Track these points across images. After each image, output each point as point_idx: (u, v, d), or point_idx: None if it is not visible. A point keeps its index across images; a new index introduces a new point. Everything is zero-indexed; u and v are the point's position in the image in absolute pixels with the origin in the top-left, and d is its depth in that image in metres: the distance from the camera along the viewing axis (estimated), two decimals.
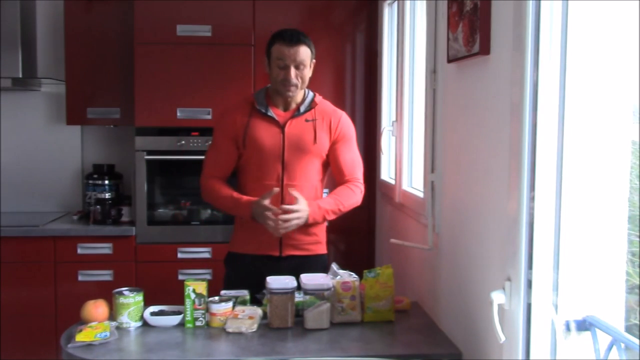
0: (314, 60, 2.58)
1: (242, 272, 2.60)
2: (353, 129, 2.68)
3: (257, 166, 2.56)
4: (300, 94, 2.60)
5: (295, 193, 2.45)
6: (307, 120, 2.57)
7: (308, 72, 2.55)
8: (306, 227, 2.55)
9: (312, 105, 2.59)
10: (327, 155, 2.62)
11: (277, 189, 2.45)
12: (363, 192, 2.64)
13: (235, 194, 2.53)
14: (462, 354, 2.06)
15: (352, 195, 2.59)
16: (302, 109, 2.58)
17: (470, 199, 2.09)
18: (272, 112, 2.57)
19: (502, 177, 1.78)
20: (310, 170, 2.57)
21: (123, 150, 4.03)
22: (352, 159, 2.64)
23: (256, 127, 2.56)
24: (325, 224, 2.68)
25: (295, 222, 2.43)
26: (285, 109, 2.60)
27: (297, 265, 2.55)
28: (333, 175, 2.66)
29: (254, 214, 2.46)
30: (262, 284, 2.41)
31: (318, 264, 2.61)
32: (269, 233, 2.51)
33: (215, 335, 2.14)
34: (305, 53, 2.50)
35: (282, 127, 2.56)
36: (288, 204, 2.44)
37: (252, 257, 2.60)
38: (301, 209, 2.43)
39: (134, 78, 3.57)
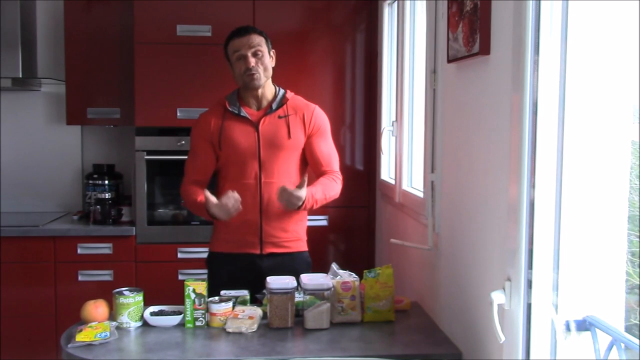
0: (273, 51, 2.62)
1: (224, 272, 2.61)
2: (328, 122, 2.69)
3: (235, 166, 2.57)
4: (270, 91, 2.62)
5: (303, 181, 2.43)
6: (280, 117, 2.59)
7: (268, 60, 2.58)
8: (284, 223, 2.59)
9: (283, 101, 2.61)
10: (304, 150, 2.62)
11: (235, 195, 2.43)
12: (341, 184, 2.64)
13: (199, 199, 2.50)
14: (462, 354, 2.06)
15: (335, 186, 2.60)
16: (274, 106, 2.60)
17: (470, 199, 2.09)
18: (245, 112, 2.59)
19: (502, 177, 1.78)
20: (288, 167, 2.58)
21: (123, 150, 4.03)
22: (329, 152, 2.65)
23: (231, 128, 2.58)
24: (306, 221, 2.70)
25: (298, 202, 2.39)
26: (258, 107, 2.62)
27: (279, 263, 2.57)
28: (310, 168, 2.66)
29: (215, 215, 2.45)
30: (245, 283, 2.44)
31: (300, 262, 2.63)
32: (248, 231, 2.56)
33: (215, 335, 2.14)
34: (257, 39, 2.55)
35: (255, 125, 2.57)
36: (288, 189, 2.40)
37: (233, 255, 2.61)
38: (303, 195, 2.40)
39: (134, 78, 3.57)
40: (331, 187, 2.58)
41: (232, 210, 2.42)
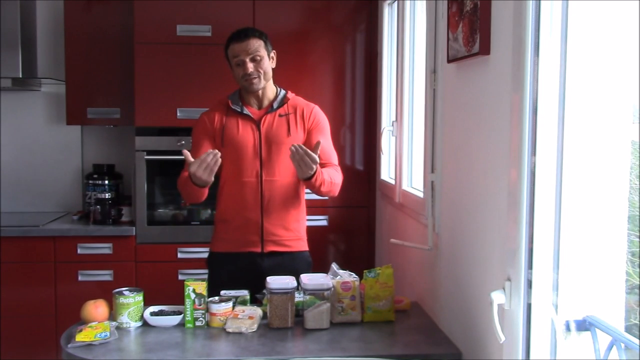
0: (274, 52, 2.62)
1: (225, 271, 2.61)
2: (327, 122, 2.70)
3: (236, 163, 2.57)
4: (271, 91, 2.64)
5: (318, 148, 2.39)
6: (280, 115, 2.61)
7: (268, 63, 2.59)
8: (285, 221, 2.60)
9: (284, 101, 2.63)
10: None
11: (186, 151, 2.40)
12: (342, 178, 2.64)
13: (187, 174, 2.46)
14: (462, 354, 2.06)
15: (338, 176, 2.61)
16: (275, 105, 2.62)
17: (470, 199, 2.09)
18: (247, 111, 2.61)
19: (502, 177, 1.78)
20: (289, 165, 2.56)
21: (123, 150, 4.03)
22: (328, 148, 2.66)
23: (233, 125, 2.60)
24: (305, 220, 2.71)
25: (308, 160, 2.33)
26: (259, 107, 2.64)
27: (279, 263, 2.58)
28: None
29: (194, 179, 2.40)
30: (245, 283, 2.44)
31: (301, 262, 2.63)
32: (249, 230, 2.56)
33: (215, 335, 2.14)
34: (256, 44, 2.55)
35: (257, 124, 2.59)
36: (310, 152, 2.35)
37: (234, 255, 2.62)
38: (317, 158, 2.37)
39: (134, 78, 3.57)
40: (334, 174, 2.58)
41: (212, 164, 2.36)
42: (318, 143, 2.40)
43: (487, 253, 1.92)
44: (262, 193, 2.58)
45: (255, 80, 2.55)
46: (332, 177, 2.55)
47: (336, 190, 2.60)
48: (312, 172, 2.38)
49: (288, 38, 3.58)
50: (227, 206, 2.62)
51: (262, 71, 2.56)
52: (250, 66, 2.54)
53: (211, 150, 2.38)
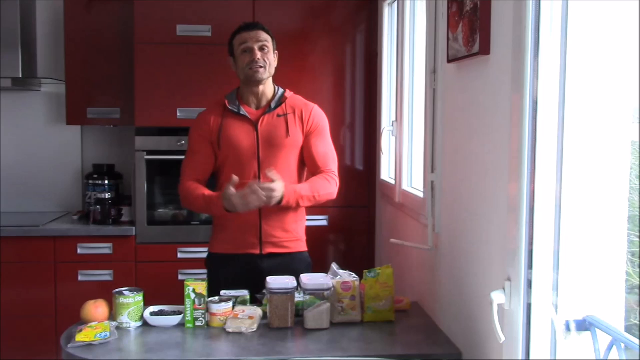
0: (277, 52, 2.62)
1: (224, 272, 2.60)
2: (326, 121, 2.68)
3: (234, 165, 2.56)
4: (270, 90, 2.62)
5: (272, 174, 2.42)
6: (278, 116, 2.59)
7: (273, 58, 2.59)
8: (284, 223, 2.58)
9: (282, 100, 2.61)
10: (302, 149, 2.61)
11: (236, 178, 2.41)
12: (338, 185, 2.62)
13: (207, 192, 2.51)
14: (462, 354, 2.06)
15: (328, 186, 2.57)
16: (273, 105, 2.59)
17: (470, 199, 2.09)
18: (244, 111, 2.59)
19: (502, 177, 1.78)
20: (287, 167, 2.57)
21: (123, 150, 4.03)
22: (326, 152, 2.63)
23: (230, 127, 2.58)
24: (305, 220, 2.69)
25: (273, 194, 2.38)
26: (257, 106, 2.62)
27: (279, 264, 2.57)
28: (307, 168, 2.65)
29: (225, 206, 2.43)
30: (245, 283, 2.44)
31: (300, 262, 2.62)
32: (248, 231, 2.56)
33: (215, 335, 2.14)
34: (265, 36, 2.57)
35: (255, 124, 2.57)
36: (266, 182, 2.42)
37: (233, 256, 2.61)
38: (277, 187, 2.40)
39: (134, 78, 3.57)
40: (322, 185, 2.55)
41: (256, 203, 2.39)
42: (273, 182, 2.40)
43: (487, 253, 1.92)
44: None
45: (261, 70, 2.53)
46: (317, 191, 2.53)
47: (326, 199, 2.58)
48: (279, 200, 2.41)
49: (288, 38, 3.57)
50: None
51: (268, 61, 2.55)
52: (258, 53, 2.53)
53: (251, 189, 2.37)
